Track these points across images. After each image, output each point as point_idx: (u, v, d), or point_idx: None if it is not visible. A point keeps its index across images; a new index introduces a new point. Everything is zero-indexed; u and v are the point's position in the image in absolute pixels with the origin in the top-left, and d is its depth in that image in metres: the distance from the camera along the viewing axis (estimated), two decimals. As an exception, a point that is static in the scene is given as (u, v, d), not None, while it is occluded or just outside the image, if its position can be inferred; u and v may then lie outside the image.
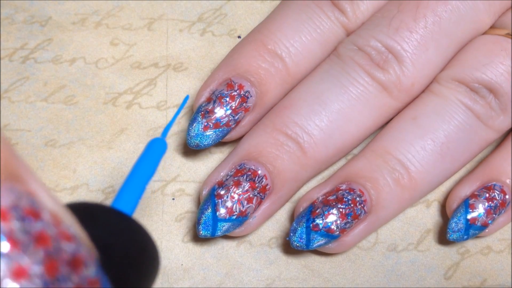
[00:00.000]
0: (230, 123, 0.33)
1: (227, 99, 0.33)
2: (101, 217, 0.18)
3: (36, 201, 0.14)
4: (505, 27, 0.35)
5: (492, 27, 0.35)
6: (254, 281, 0.35)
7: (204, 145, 0.33)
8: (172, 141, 0.37)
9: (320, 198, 0.33)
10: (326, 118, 0.33)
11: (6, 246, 0.13)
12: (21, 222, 0.14)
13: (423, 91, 0.34)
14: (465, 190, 0.35)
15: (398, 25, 0.33)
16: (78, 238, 0.15)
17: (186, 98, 0.30)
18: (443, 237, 0.34)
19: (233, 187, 0.32)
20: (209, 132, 0.33)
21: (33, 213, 0.14)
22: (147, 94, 0.37)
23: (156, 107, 0.37)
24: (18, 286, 0.13)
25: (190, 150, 0.36)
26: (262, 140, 0.33)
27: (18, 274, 0.13)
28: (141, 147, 0.36)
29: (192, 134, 0.33)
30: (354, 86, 0.33)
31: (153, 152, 0.23)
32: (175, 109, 0.37)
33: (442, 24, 0.33)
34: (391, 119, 0.35)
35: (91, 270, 0.15)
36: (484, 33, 0.35)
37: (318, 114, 0.33)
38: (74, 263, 0.14)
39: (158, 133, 0.37)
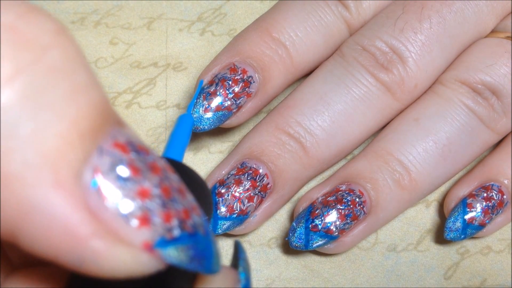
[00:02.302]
0: (232, 107, 0.32)
1: (230, 82, 0.32)
2: None
3: (142, 141, 0.17)
4: (505, 31, 0.35)
5: (493, 30, 0.35)
6: (254, 281, 0.35)
7: (204, 127, 0.32)
8: (172, 140, 0.37)
9: (320, 199, 0.33)
10: (329, 119, 0.33)
11: (127, 172, 0.16)
12: (137, 154, 0.16)
13: (425, 92, 0.34)
14: (463, 190, 0.35)
15: (403, 26, 0.33)
16: (176, 172, 0.17)
17: (201, 82, 0.30)
18: (442, 237, 0.34)
19: (234, 185, 0.32)
20: (209, 115, 0.32)
21: (143, 148, 0.17)
22: (146, 94, 0.37)
23: (156, 107, 0.37)
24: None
25: (189, 149, 0.36)
26: (264, 139, 0.33)
27: (143, 194, 0.16)
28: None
29: (193, 110, 0.32)
30: (357, 87, 0.33)
31: (183, 124, 0.25)
32: (175, 109, 0.37)
33: (447, 26, 0.33)
34: (393, 119, 0.35)
35: (192, 198, 0.17)
36: (485, 36, 0.35)
37: (321, 114, 0.33)
38: (180, 190, 0.17)
39: (158, 133, 0.37)
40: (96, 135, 0.16)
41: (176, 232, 0.16)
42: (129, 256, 0.15)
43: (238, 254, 0.22)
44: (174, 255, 0.16)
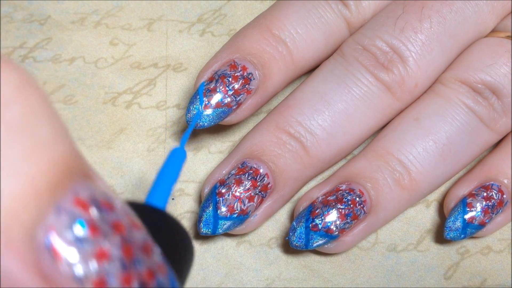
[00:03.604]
0: (232, 104, 0.32)
1: (230, 79, 0.32)
2: (137, 212, 0.18)
3: (108, 195, 0.16)
4: (505, 30, 0.35)
5: (493, 30, 0.35)
6: (254, 281, 0.35)
7: (203, 124, 0.32)
8: (172, 140, 0.37)
9: (320, 198, 0.33)
10: (329, 118, 0.33)
11: (85, 232, 0.15)
12: (99, 212, 0.15)
13: (425, 92, 0.34)
14: (463, 189, 0.35)
15: (403, 26, 0.33)
16: (143, 228, 0.17)
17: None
18: (442, 237, 0.34)
19: (235, 185, 0.32)
20: (209, 112, 0.32)
21: (108, 205, 0.16)
22: (146, 94, 0.37)
23: (156, 107, 0.37)
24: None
25: (189, 149, 0.36)
26: (265, 138, 0.33)
27: (101, 256, 0.15)
28: (140, 147, 0.36)
29: (192, 113, 0.32)
30: (358, 86, 0.33)
31: (175, 159, 0.25)
32: (175, 109, 0.37)
33: (447, 25, 0.34)
34: (393, 119, 0.35)
35: (158, 257, 0.16)
36: (485, 36, 0.35)
37: (321, 114, 0.33)
38: (145, 249, 0.16)
39: (158, 133, 0.37)
40: (54, 192, 0.15)
41: None
42: None
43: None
44: None
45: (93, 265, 0.15)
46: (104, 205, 0.16)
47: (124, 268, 0.15)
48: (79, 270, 0.15)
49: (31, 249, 0.15)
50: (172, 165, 0.24)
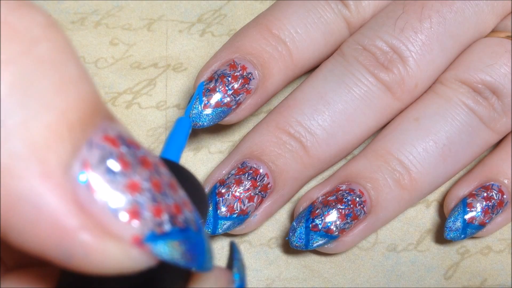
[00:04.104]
0: (231, 104, 0.32)
1: (229, 79, 0.32)
2: None
3: (132, 135, 0.17)
4: (505, 30, 0.35)
5: (493, 30, 0.35)
6: (254, 281, 0.35)
7: (203, 124, 0.32)
8: (172, 140, 0.37)
9: (320, 198, 0.33)
10: (329, 118, 0.33)
11: (117, 166, 0.16)
12: (127, 148, 0.16)
13: (425, 92, 0.34)
14: (463, 190, 0.35)
15: (403, 26, 0.33)
16: (167, 167, 0.17)
17: (201, 85, 0.30)
18: (442, 237, 0.34)
19: (235, 185, 0.32)
20: (208, 111, 0.32)
21: (134, 142, 0.17)
22: (146, 94, 0.37)
23: (156, 107, 0.37)
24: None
25: (189, 149, 0.36)
26: (265, 138, 0.33)
27: (133, 188, 0.16)
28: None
29: (192, 113, 0.32)
30: (358, 86, 0.33)
31: (182, 126, 0.25)
32: (175, 109, 0.37)
33: (447, 25, 0.34)
34: (393, 119, 0.35)
35: (183, 194, 0.17)
36: (485, 36, 0.35)
37: (321, 114, 0.33)
38: (171, 185, 0.17)
39: (158, 133, 0.37)
40: (85, 127, 0.16)
41: (167, 227, 0.16)
42: (118, 251, 0.15)
43: (233, 255, 0.22)
44: (164, 250, 0.16)
45: (127, 196, 0.15)
46: (131, 143, 0.16)
47: (154, 200, 0.16)
48: (113, 201, 0.15)
49: (68, 180, 0.15)
50: (180, 131, 0.24)
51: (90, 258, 0.15)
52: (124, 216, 0.15)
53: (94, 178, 0.15)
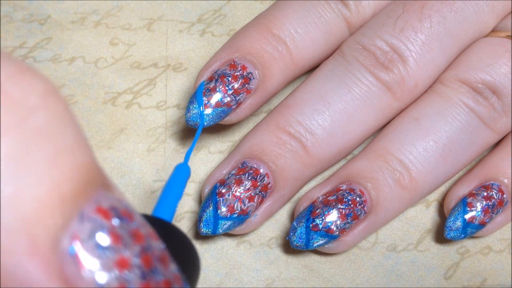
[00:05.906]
0: (231, 104, 0.32)
1: (230, 78, 0.32)
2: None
3: (128, 205, 0.16)
4: (506, 30, 0.35)
5: (494, 29, 0.35)
6: (254, 281, 0.35)
7: (203, 124, 0.32)
8: (172, 140, 0.37)
9: (320, 198, 0.33)
10: (330, 118, 0.33)
11: (107, 240, 0.15)
12: (120, 221, 0.16)
13: (426, 92, 0.34)
14: (463, 189, 0.35)
15: (403, 25, 0.33)
16: (160, 239, 0.17)
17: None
18: (443, 237, 0.34)
19: (235, 185, 0.32)
20: (208, 111, 0.32)
21: (128, 214, 0.16)
22: (146, 94, 0.37)
23: (156, 107, 0.37)
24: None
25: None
26: (265, 138, 0.33)
27: (122, 264, 0.15)
28: (140, 147, 0.36)
29: (191, 112, 0.32)
30: (358, 86, 0.33)
31: (179, 175, 0.25)
32: (175, 109, 0.37)
33: (447, 25, 0.34)
34: (393, 119, 0.35)
35: (174, 268, 0.17)
36: (486, 35, 0.35)
37: (321, 114, 0.33)
38: (162, 259, 0.16)
39: (158, 133, 0.37)
40: (78, 199, 0.15)
41: None
42: None
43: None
44: None
45: (115, 273, 0.15)
46: (124, 214, 0.16)
47: (143, 277, 0.16)
48: (101, 277, 0.15)
49: (56, 255, 0.15)
50: (177, 181, 0.24)
51: None
52: None
53: (82, 253, 0.15)
